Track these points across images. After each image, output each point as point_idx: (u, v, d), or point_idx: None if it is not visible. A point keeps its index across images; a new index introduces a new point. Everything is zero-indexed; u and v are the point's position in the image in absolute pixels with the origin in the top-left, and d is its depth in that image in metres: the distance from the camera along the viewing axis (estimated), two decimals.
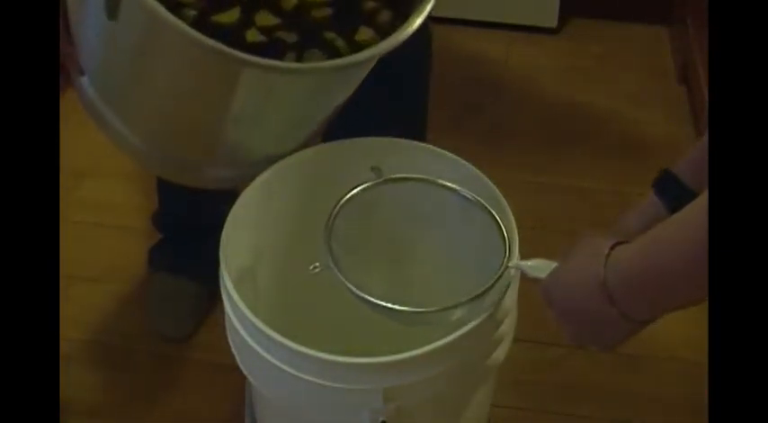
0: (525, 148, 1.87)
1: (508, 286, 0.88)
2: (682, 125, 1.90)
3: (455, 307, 0.87)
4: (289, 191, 1.02)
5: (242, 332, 0.87)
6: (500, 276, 0.87)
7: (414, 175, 0.96)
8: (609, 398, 1.40)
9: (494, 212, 0.92)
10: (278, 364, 0.84)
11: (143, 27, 0.85)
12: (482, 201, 0.94)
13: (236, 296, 0.87)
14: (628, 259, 0.72)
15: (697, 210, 0.66)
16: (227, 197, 1.04)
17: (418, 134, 1.27)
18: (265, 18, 0.91)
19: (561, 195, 1.75)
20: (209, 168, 1.02)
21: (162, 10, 0.79)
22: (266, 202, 1.00)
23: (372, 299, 0.86)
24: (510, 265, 0.87)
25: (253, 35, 0.90)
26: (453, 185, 0.95)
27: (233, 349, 0.92)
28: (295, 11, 0.93)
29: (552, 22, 2.17)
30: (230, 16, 0.90)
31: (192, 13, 0.87)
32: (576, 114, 1.97)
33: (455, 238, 1.02)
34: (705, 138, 0.83)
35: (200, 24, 0.87)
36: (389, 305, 0.86)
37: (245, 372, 0.92)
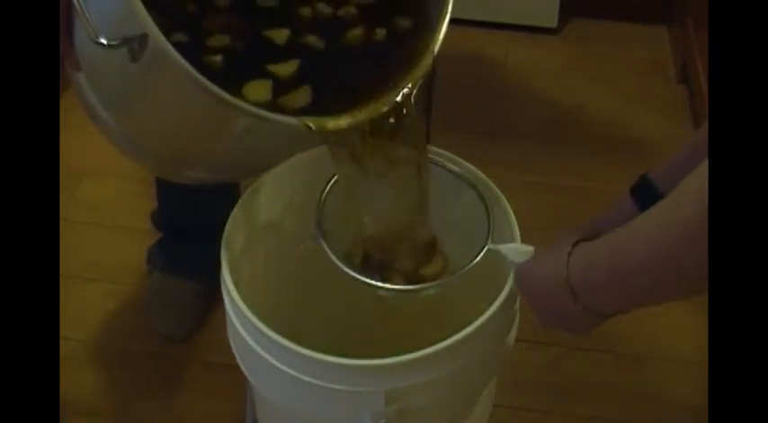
0: (525, 147, 1.87)
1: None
2: (682, 125, 1.91)
3: (433, 287, 0.89)
4: (290, 191, 1.02)
5: (242, 333, 0.87)
6: (479, 257, 0.88)
7: None
8: (609, 398, 1.40)
9: (479, 188, 0.94)
10: (278, 365, 0.84)
11: (169, 77, 0.82)
12: (469, 177, 0.95)
13: (236, 296, 0.87)
14: (590, 258, 0.74)
15: (656, 215, 0.67)
16: (227, 196, 1.04)
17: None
18: None
19: (560, 195, 1.75)
20: (197, 173, 1.01)
21: (203, 78, 0.78)
22: (268, 203, 1.00)
23: (354, 273, 0.87)
24: (489, 247, 0.88)
25: None
26: (441, 159, 0.96)
27: (233, 349, 0.92)
28: None
29: (552, 22, 2.18)
30: (289, 67, 0.89)
31: (218, 58, 0.86)
32: (575, 114, 1.97)
33: (446, 214, 1.02)
34: (684, 144, 0.84)
35: (235, 70, 0.86)
36: (368, 280, 0.87)
37: (245, 372, 0.92)
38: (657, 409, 1.38)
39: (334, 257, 0.88)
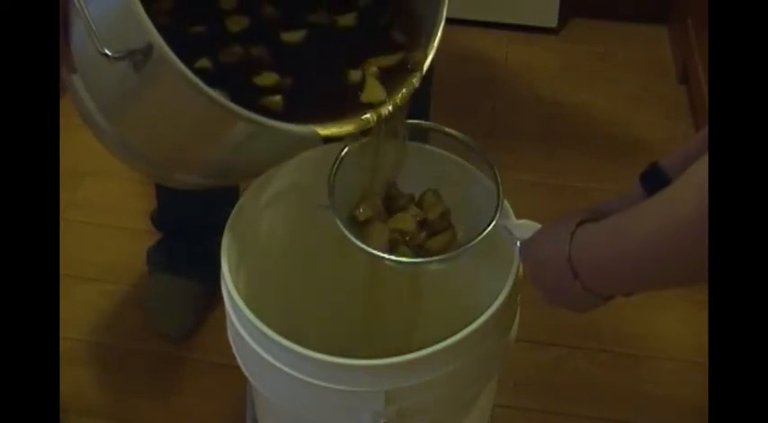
0: (524, 147, 1.87)
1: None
2: (682, 125, 1.91)
3: (438, 260, 0.89)
4: (291, 191, 1.02)
5: (242, 332, 0.87)
6: (486, 232, 0.88)
7: (423, 122, 1.00)
8: (609, 398, 1.40)
9: (494, 167, 0.94)
10: (278, 365, 0.84)
11: (170, 89, 0.82)
12: (483, 153, 0.96)
13: (236, 296, 0.87)
14: (592, 238, 0.75)
15: (658, 201, 0.67)
16: (227, 196, 1.04)
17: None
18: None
19: (560, 195, 1.75)
20: (192, 178, 1.01)
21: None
22: (269, 202, 1.00)
23: (361, 243, 0.87)
24: (498, 222, 0.89)
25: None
26: (456, 133, 0.98)
27: (234, 349, 0.92)
28: None
29: (552, 22, 2.18)
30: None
31: (277, 98, 0.87)
32: (575, 114, 1.97)
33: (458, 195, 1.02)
34: (698, 135, 0.84)
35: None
36: (374, 251, 0.87)
37: (245, 372, 0.92)
38: (657, 409, 1.38)
39: (343, 227, 0.88)
